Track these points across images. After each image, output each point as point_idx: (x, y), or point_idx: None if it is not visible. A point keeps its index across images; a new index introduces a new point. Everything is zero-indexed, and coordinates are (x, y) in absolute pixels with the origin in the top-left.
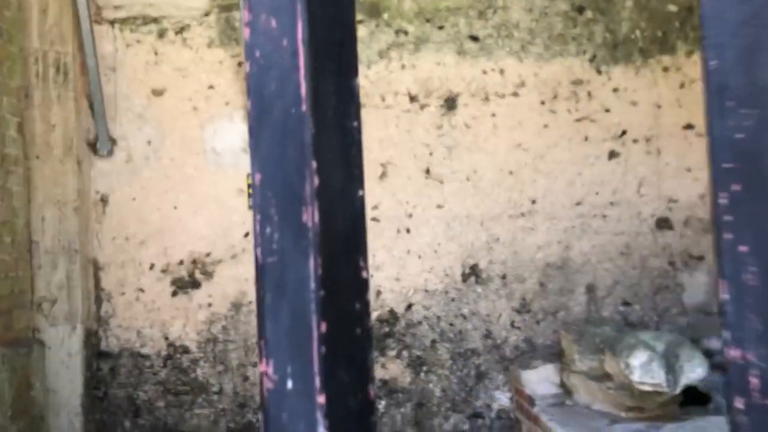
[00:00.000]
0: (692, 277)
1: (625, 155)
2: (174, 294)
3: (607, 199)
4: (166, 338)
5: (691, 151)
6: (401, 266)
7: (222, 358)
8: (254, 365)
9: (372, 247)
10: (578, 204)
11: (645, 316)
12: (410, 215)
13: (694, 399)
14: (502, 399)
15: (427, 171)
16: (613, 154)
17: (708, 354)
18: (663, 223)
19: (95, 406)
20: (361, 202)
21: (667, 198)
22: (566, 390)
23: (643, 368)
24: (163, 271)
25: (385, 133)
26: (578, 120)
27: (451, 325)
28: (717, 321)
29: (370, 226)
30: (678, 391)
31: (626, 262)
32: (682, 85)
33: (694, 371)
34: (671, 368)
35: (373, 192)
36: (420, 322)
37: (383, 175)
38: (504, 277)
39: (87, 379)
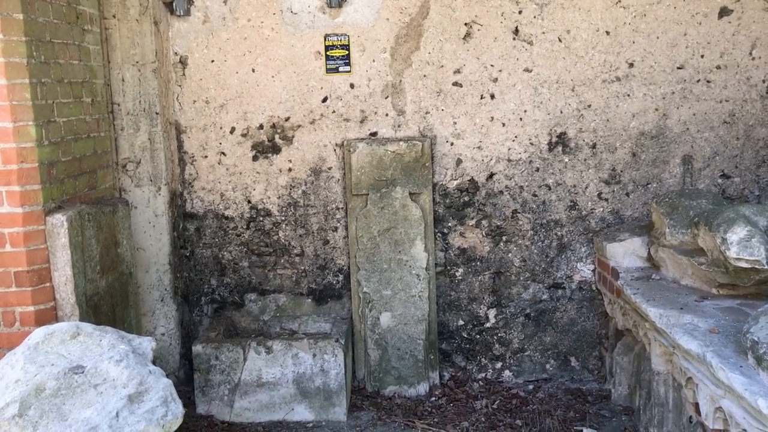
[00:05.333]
0: None
1: (738, 12)
2: (255, 158)
3: (714, 62)
4: (249, 201)
5: None
6: (484, 134)
7: (303, 222)
8: (334, 230)
9: (453, 113)
10: (680, 68)
11: (745, 190)
12: (495, 80)
13: None
14: (585, 271)
15: (516, 31)
16: (724, 12)
17: None
18: None
19: (183, 264)
20: None
21: None
22: (653, 264)
23: (741, 244)
24: (244, 135)
25: None
26: None
27: (534, 195)
28: None
29: (451, 92)
30: None
31: (729, 131)
32: None
33: None
34: None
35: (455, 54)
36: (501, 192)
37: (467, 36)
38: (594, 146)
39: (174, 239)
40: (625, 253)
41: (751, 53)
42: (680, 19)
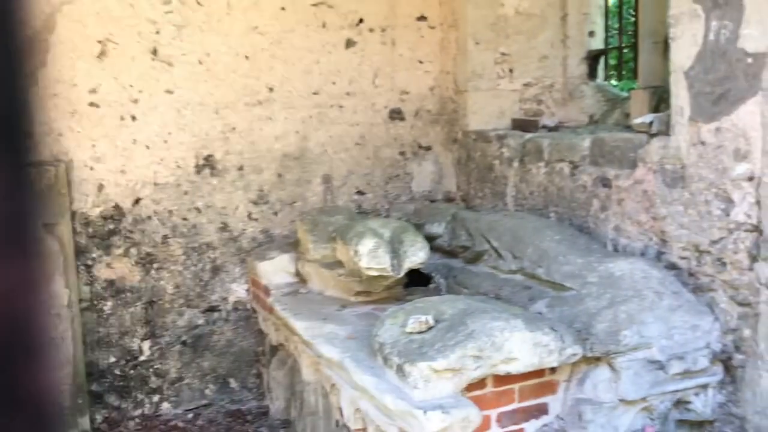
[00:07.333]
0: (420, 166)
1: (361, 44)
2: None
3: (344, 89)
4: None
5: (422, 43)
6: (127, 157)
7: None
8: None
9: (91, 136)
10: (315, 93)
11: (377, 204)
12: (136, 101)
13: (417, 280)
14: (239, 291)
15: (154, 51)
16: (350, 43)
17: (430, 238)
18: (395, 114)
19: None
20: None
21: (400, 90)
22: (301, 279)
23: (370, 254)
24: None
25: (102, 4)
26: (315, 5)
27: (185, 219)
28: (439, 207)
29: (88, 113)
30: (402, 274)
31: (361, 152)
32: None
33: (416, 255)
34: (396, 253)
35: (90, 73)
36: (150, 217)
37: (102, 54)
38: (241, 168)
39: None
40: (275, 270)
41: (374, 82)
42: (313, 48)
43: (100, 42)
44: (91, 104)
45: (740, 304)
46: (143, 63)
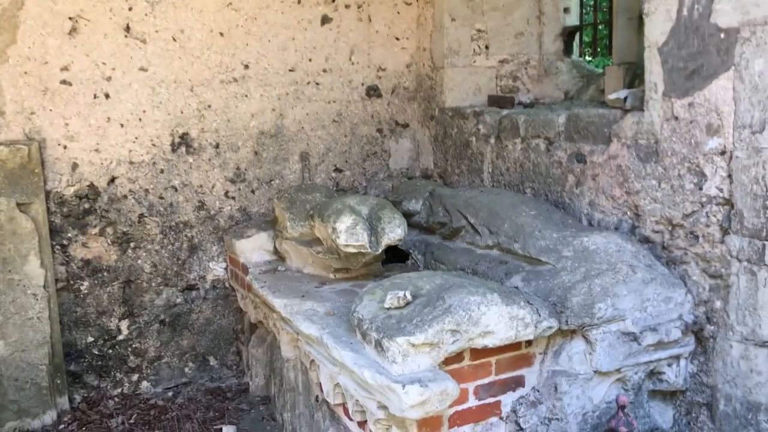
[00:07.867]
0: (398, 144)
1: (337, 21)
2: None
3: (320, 66)
4: None
5: (399, 19)
6: (101, 136)
7: None
8: None
9: (64, 114)
10: (292, 70)
11: (355, 182)
12: (109, 78)
13: (395, 257)
14: (217, 270)
15: (127, 28)
16: (325, 19)
17: (407, 215)
18: (372, 91)
19: None
20: None
21: (377, 66)
22: (279, 257)
23: (348, 232)
24: None
25: None
26: None
27: (161, 198)
28: (417, 184)
29: (60, 90)
30: (380, 251)
31: (338, 129)
32: None
33: (394, 232)
34: (374, 230)
35: (61, 50)
36: (125, 196)
37: (73, 31)
38: (217, 146)
39: None
40: (253, 248)
41: (350, 59)
42: (288, 24)
43: (71, 18)
44: (63, 82)
45: (712, 277)
46: (116, 40)
